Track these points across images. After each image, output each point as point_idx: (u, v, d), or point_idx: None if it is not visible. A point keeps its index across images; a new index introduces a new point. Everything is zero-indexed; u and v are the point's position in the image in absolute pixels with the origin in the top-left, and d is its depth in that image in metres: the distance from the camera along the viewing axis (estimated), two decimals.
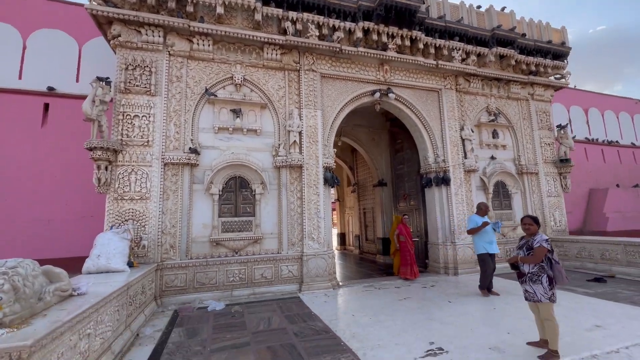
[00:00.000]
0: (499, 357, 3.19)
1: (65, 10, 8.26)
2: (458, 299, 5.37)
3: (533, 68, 8.88)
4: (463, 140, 8.04)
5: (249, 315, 4.79)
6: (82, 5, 8.22)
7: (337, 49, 6.82)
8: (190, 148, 5.91)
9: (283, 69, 6.78)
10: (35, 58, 7.57)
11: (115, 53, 5.96)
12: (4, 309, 2.05)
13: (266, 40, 6.42)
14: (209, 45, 6.23)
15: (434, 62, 7.70)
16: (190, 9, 6.01)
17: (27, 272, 2.28)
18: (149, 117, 5.77)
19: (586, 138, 13.66)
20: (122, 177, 5.49)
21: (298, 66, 6.83)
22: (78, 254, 6.08)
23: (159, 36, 5.93)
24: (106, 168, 5.30)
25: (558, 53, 9.19)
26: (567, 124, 9.39)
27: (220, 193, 6.09)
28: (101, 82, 5.37)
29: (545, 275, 3.18)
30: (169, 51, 6.06)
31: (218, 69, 6.38)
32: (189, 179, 5.95)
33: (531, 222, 3.38)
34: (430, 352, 3.36)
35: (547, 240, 3.24)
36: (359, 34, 7.00)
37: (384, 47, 7.30)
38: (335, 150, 7.28)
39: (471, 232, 5.83)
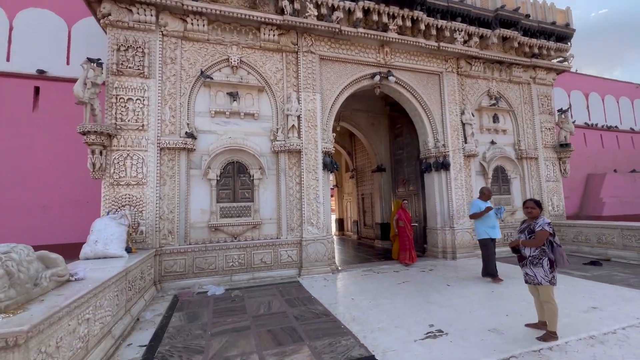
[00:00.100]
0: (498, 338, 3.22)
1: None
2: (456, 283, 5.41)
3: (536, 50, 8.70)
4: (463, 124, 7.95)
5: (249, 300, 4.81)
6: None
7: (337, 30, 6.61)
8: (186, 132, 5.79)
9: (281, 50, 6.58)
10: (23, 39, 7.30)
11: (106, 33, 5.73)
12: None
13: (263, 20, 6.19)
14: (203, 25, 6.01)
15: (436, 44, 7.50)
16: None
17: (21, 257, 2.23)
18: (143, 100, 5.61)
19: (585, 123, 13.58)
20: (118, 162, 5.38)
21: (296, 48, 6.62)
22: (75, 240, 6.04)
23: (151, 15, 5.70)
24: (101, 153, 5.19)
25: (562, 35, 8.99)
26: (568, 108, 9.30)
27: (218, 178, 6.01)
28: (92, 64, 5.18)
29: (547, 258, 3.17)
30: (162, 31, 5.84)
31: (213, 50, 6.18)
32: (186, 164, 5.85)
33: (534, 206, 3.35)
34: (429, 334, 3.39)
35: (549, 223, 3.22)
36: (359, 14, 6.77)
37: (385, 28, 7.09)
38: (334, 135, 7.17)
39: (474, 216, 5.77)
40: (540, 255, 3.20)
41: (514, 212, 8.37)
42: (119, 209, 5.21)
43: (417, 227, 8.34)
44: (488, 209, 5.62)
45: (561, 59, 9.24)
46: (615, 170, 13.65)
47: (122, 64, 5.53)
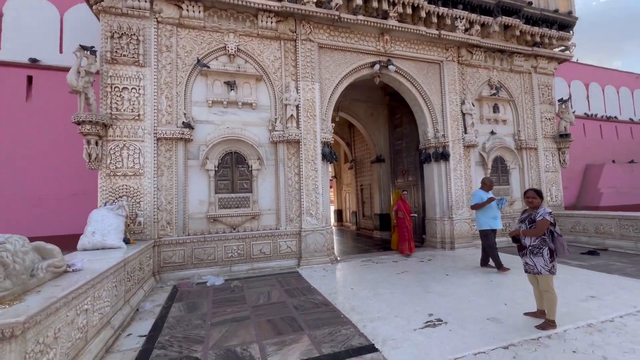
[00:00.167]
0: (497, 327, 3.24)
1: None
2: (455, 273, 5.44)
3: (537, 39, 8.57)
4: (464, 114, 7.88)
5: (248, 290, 4.81)
6: None
7: (336, 17, 6.46)
8: (183, 122, 5.70)
9: (279, 38, 6.45)
10: (14, 27, 7.10)
11: (99, 20, 5.58)
12: None
13: (260, 6, 6.04)
14: (199, 11, 5.86)
15: (437, 32, 7.37)
16: None
17: (15, 248, 2.19)
18: (139, 89, 5.50)
19: (585, 114, 13.53)
20: (114, 153, 5.31)
21: (294, 35, 6.49)
22: (73, 231, 6.01)
23: (146, 1, 5.54)
24: (96, 143, 5.11)
25: (564, 23, 8.86)
26: (568, 98, 9.23)
27: (216, 169, 5.95)
28: (85, 52, 5.05)
29: (547, 247, 3.17)
30: (156, 18, 5.70)
31: (210, 38, 6.04)
32: (184, 155, 5.78)
33: (535, 195, 3.33)
34: (429, 323, 3.40)
35: (550, 213, 3.21)
36: (359, 1, 6.61)
37: (385, 16, 6.95)
38: (333, 125, 7.09)
39: (475, 207, 5.70)
40: (541, 245, 3.19)
41: (512, 202, 8.38)
42: (116, 200, 5.16)
43: (415, 218, 8.35)
44: (490, 199, 5.56)
45: (563, 47, 9.13)
46: (613, 161, 13.67)
47: (116, 51, 5.40)
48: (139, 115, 5.46)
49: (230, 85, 6.07)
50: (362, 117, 10.46)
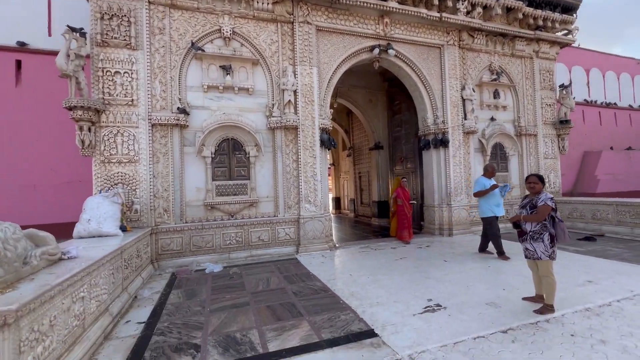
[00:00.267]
0: (496, 311, 3.25)
1: None
2: (453, 258, 5.46)
3: (540, 23, 8.38)
4: (464, 100, 7.76)
5: (247, 277, 4.81)
6: None
7: None
8: (178, 108, 5.56)
9: (275, 20, 6.24)
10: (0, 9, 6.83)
11: (88, 1, 5.36)
12: None
13: None
14: None
15: (438, 15, 7.17)
16: None
17: (6, 235, 2.13)
18: (132, 73, 5.34)
19: (585, 100, 13.42)
20: (108, 139, 5.19)
21: (292, 17, 6.28)
22: (68, 219, 5.93)
23: None
24: (89, 129, 4.99)
25: (568, 6, 8.66)
26: (569, 83, 9.10)
27: (213, 156, 5.86)
28: (75, 34, 4.87)
29: (547, 233, 3.15)
30: None
31: (204, 20, 5.84)
32: (179, 141, 5.67)
33: (536, 181, 3.29)
34: (428, 308, 3.41)
35: (551, 198, 3.18)
36: None
37: None
38: (331, 111, 6.97)
39: (478, 194, 5.59)
40: (541, 230, 3.17)
41: (511, 189, 8.37)
42: (111, 188, 5.08)
43: (415, 205, 8.33)
44: (494, 186, 5.47)
45: (565, 31, 8.95)
46: (611, 148, 13.66)
47: (106, 34, 5.21)
48: (132, 100, 5.32)
49: (226, 69, 5.91)
50: (361, 103, 10.31)
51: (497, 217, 5.54)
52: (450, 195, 7.54)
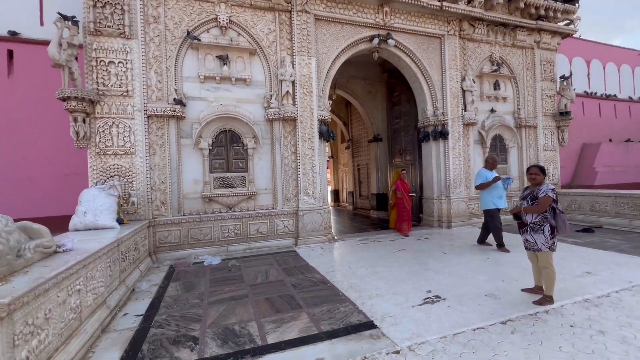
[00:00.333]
0: (495, 303, 3.25)
1: None
2: (452, 250, 5.45)
3: (542, 12, 8.26)
4: (464, 91, 7.68)
5: (245, 269, 4.79)
6: None
7: None
8: (174, 99, 5.47)
9: (273, 9, 6.11)
10: None
11: None
12: None
13: None
14: None
15: (438, 4, 7.04)
16: None
17: None
18: (126, 63, 5.23)
19: (585, 92, 13.34)
20: (103, 131, 5.10)
21: (289, 6, 6.15)
22: (64, 212, 5.88)
23: None
24: (84, 120, 4.90)
25: None
26: (570, 74, 9.02)
27: (210, 148, 5.79)
28: (66, 22, 4.74)
29: (548, 224, 3.13)
30: None
31: (200, 8, 5.70)
32: (176, 133, 5.59)
33: (538, 172, 3.26)
34: (427, 300, 3.41)
35: (553, 189, 3.15)
36: None
37: None
38: (330, 102, 6.89)
39: (480, 187, 5.51)
40: (542, 222, 3.15)
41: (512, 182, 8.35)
42: (107, 180, 5.02)
43: (413, 197, 8.31)
44: (496, 179, 5.39)
45: (567, 21, 8.83)
46: (610, 140, 13.64)
47: (99, 22, 5.08)
48: (127, 91, 5.22)
49: (223, 59, 5.80)
50: (360, 95, 10.20)
51: (499, 210, 5.49)
52: (449, 188, 7.51)
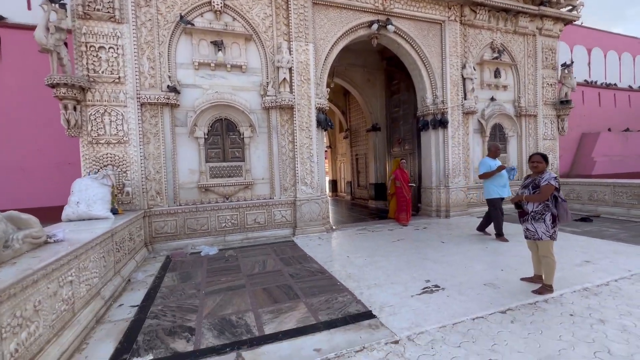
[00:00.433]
0: (494, 292, 3.23)
1: None
2: (451, 240, 5.43)
3: None
4: (464, 79, 7.56)
5: (243, 259, 4.75)
6: None
7: None
8: (168, 86, 5.32)
9: None
10: None
11: None
12: None
13: None
14: None
15: None
16: None
17: None
18: (117, 48, 5.06)
19: (585, 80, 13.21)
20: (95, 119, 4.97)
21: None
22: (58, 203, 5.78)
23: None
24: (74, 108, 4.76)
25: None
26: (572, 62, 8.88)
27: (206, 136, 5.67)
28: (53, 5, 4.55)
29: (549, 213, 3.08)
30: None
31: None
32: (170, 121, 5.46)
33: (540, 160, 3.19)
34: (426, 289, 3.38)
35: (555, 178, 3.09)
36: None
37: None
38: (328, 90, 6.75)
39: (484, 176, 5.40)
40: (543, 211, 3.10)
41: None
42: (100, 169, 4.91)
43: (412, 187, 8.26)
44: (500, 168, 5.29)
45: (570, 7, 8.64)
46: (609, 129, 13.59)
47: (88, 5, 4.88)
48: (119, 77, 5.06)
49: (218, 45, 5.62)
50: (358, 83, 10.03)
51: (502, 199, 5.39)
52: (448, 177, 7.46)
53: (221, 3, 5.58)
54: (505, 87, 8.25)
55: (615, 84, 13.97)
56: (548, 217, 3.08)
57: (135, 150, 5.17)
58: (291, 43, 5.99)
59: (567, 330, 2.48)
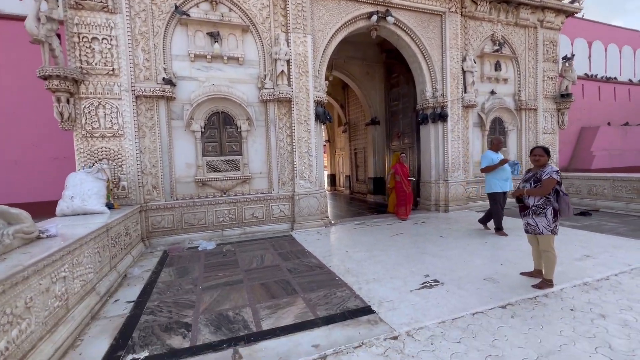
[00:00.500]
0: (494, 286, 3.20)
1: None
2: (450, 234, 5.41)
3: None
4: (464, 72, 7.47)
5: (240, 254, 4.71)
6: None
7: None
8: (164, 78, 5.22)
9: None
10: None
11: None
12: None
13: None
14: None
15: None
16: None
17: None
18: (111, 40, 4.94)
19: (586, 74, 13.14)
20: (89, 112, 4.87)
21: None
22: (54, 197, 5.71)
23: None
24: (68, 101, 4.66)
25: None
26: (573, 55, 8.79)
27: (203, 130, 5.59)
28: None
29: (551, 207, 3.04)
30: None
31: None
32: (166, 114, 5.37)
33: (542, 153, 3.14)
34: (425, 284, 3.35)
35: (557, 171, 3.04)
36: None
37: None
38: (327, 83, 6.65)
39: (486, 170, 5.31)
40: (544, 205, 3.06)
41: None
42: (95, 163, 4.83)
43: (412, 182, 8.21)
44: (503, 161, 5.20)
45: None
46: (609, 123, 13.55)
47: None
48: (113, 69, 4.95)
49: (214, 36, 5.51)
50: (357, 76, 9.90)
51: (504, 193, 5.34)
52: (448, 171, 7.41)
53: None
54: (505, 80, 8.17)
55: (615, 78, 13.90)
56: (549, 212, 3.04)
57: (130, 143, 5.09)
58: (289, 35, 5.88)
59: (568, 325, 2.45)
